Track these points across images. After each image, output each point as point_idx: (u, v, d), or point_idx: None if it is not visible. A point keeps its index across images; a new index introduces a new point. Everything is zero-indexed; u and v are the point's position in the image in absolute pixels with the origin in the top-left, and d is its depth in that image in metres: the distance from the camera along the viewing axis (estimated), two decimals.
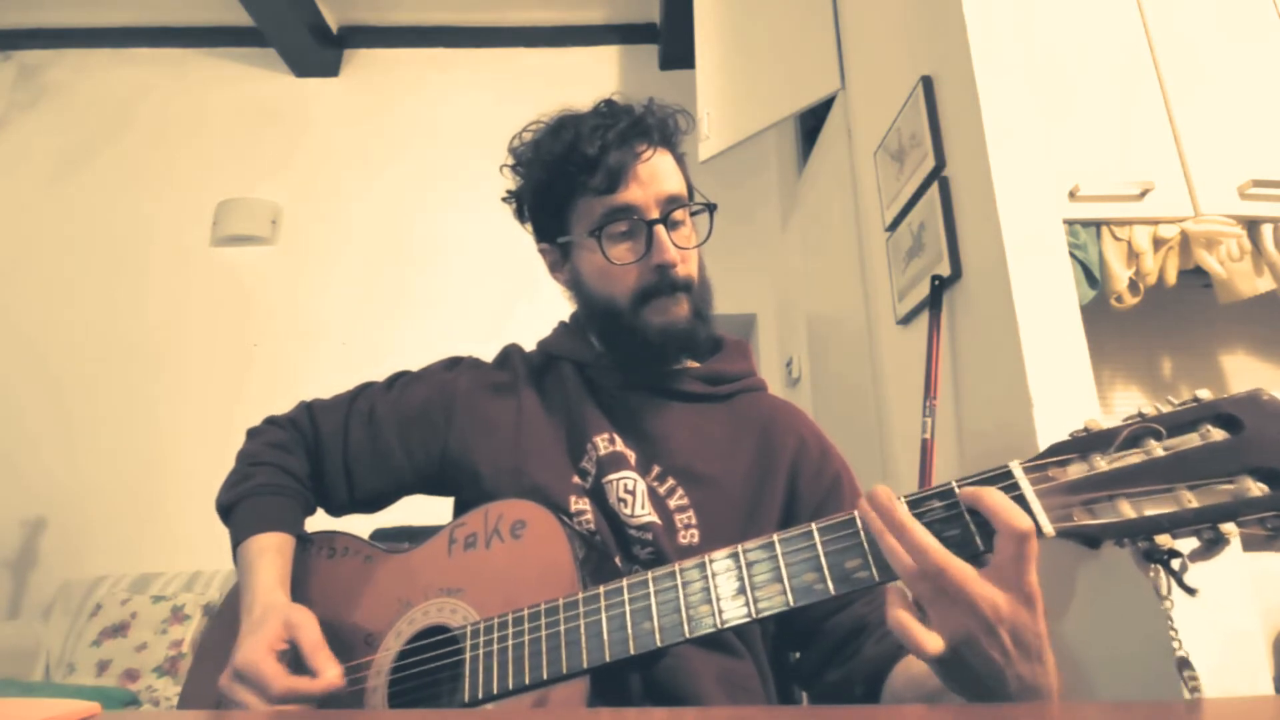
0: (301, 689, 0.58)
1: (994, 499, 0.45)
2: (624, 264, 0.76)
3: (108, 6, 3.22)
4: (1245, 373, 1.41)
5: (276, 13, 2.99)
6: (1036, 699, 0.46)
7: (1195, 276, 1.28)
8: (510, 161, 0.85)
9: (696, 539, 0.72)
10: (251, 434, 0.85)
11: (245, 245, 3.03)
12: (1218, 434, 0.44)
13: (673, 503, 0.74)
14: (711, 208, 0.81)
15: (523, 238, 0.89)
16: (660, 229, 0.75)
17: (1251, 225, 1.25)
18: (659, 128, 0.79)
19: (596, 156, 0.75)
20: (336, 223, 3.09)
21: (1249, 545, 0.97)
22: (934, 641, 0.45)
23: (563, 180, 0.78)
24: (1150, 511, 0.44)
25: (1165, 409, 0.46)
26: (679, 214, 0.78)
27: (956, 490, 0.48)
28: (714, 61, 2.42)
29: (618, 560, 0.71)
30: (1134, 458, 0.45)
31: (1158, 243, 1.24)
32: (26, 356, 2.85)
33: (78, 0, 3.19)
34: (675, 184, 0.78)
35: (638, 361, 0.81)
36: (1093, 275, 1.22)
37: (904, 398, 1.61)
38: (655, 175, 0.76)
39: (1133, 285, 1.24)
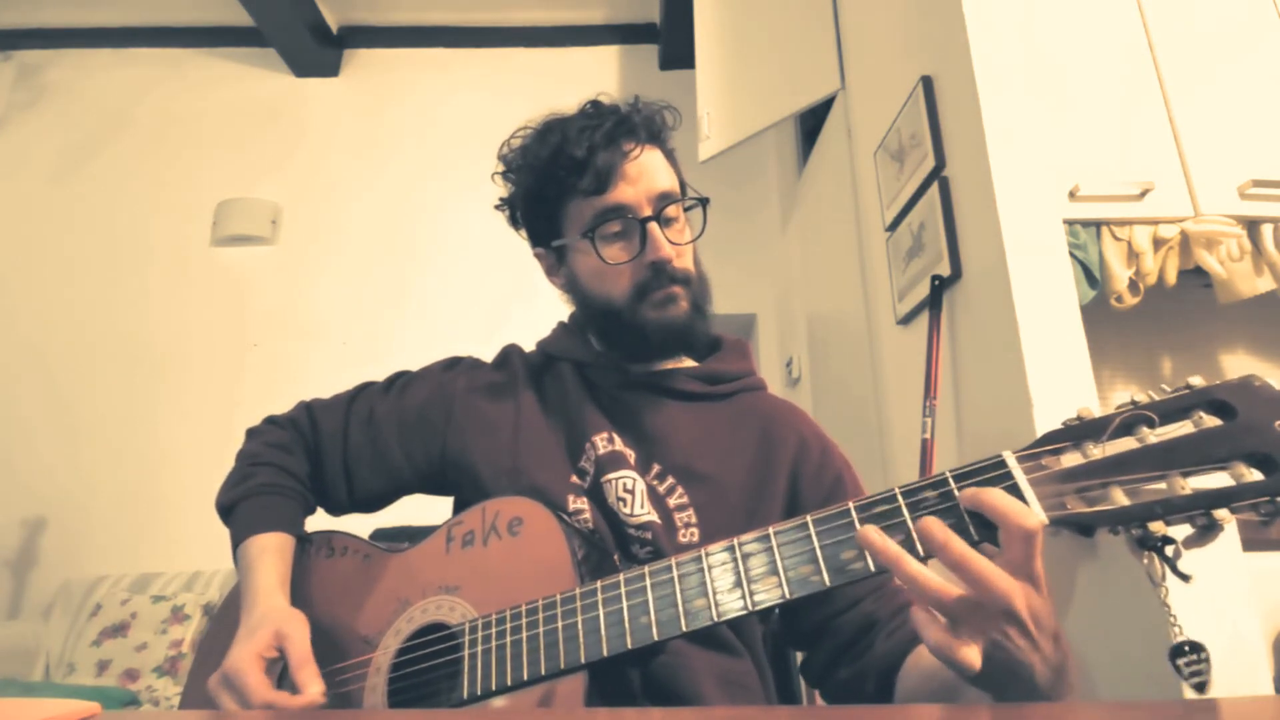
0: (280, 703, 0.59)
1: (999, 501, 0.44)
2: (619, 264, 0.75)
3: (108, 6, 3.22)
4: (1245, 372, 1.40)
5: (276, 13, 2.99)
6: (1063, 677, 0.47)
7: (1195, 276, 1.28)
8: (500, 169, 0.85)
9: (696, 538, 0.72)
10: (251, 434, 0.85)
11: (245, 245, 3.03)
12: (1210, 420, 0.43)
13: (672, 501, 0.74)
14: (704, 201, 0.80)
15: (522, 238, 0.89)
16: (653, 226, 0.75)
17: (1251, 225, 1.25)
18: (645, 125, 0.78)
19: (584, 158, 0.74)
20: (336, 223, 3.09)
21: (1249, 545, 0.96)
22: (975, 655, 0.45)
23: (553, 184, 0.77)
24: (1144, 499, 0.43)
25: (1158, 397, 0.46)
26: (672, 210, 0.77)
27: (951, 482, 0.48)
28: (714, 61, 2.42)
29: (616, 559, 0.71)
30: (1127, 445, 0.45)
31: (1158, 243, 1.24)
32: (27, 356, 2.85)
33: (78, 0, 3.19)
34: (666, 180, 0.77)
35: (637, 358, 0.80)
36: (1093, 275, 1.22)
37: (904, 398, 1.60)
38: (645, 173, 0.76)
39: (1133, 285, 1.25)
